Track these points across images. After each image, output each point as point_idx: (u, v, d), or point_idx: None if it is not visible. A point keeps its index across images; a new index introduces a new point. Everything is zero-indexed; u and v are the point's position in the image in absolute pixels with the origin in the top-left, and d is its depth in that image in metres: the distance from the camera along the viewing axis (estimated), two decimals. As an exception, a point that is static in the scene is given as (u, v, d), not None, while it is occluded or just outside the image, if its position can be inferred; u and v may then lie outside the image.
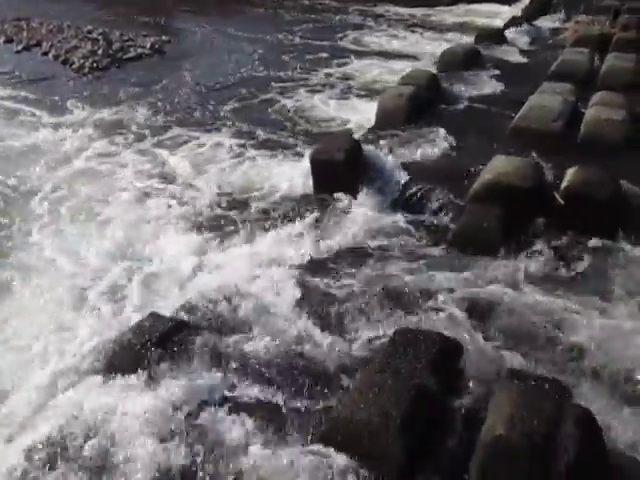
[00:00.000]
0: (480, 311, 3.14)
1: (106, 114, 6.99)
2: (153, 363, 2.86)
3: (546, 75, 6.46)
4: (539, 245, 3.56)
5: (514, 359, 2.81)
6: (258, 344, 3.01)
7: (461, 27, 11.53)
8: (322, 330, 3.10)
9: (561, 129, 4.89)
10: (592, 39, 7.95)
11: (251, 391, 2.74)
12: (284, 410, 2.63)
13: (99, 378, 2.85)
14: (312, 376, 2.80)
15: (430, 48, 9.72)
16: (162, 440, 2.46)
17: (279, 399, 2.69)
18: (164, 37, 10.76)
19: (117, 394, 2.70)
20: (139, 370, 2.81)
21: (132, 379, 2.78)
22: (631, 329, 2.96)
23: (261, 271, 3.62)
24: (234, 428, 2.52)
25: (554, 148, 4.66)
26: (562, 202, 3.70)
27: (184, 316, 3.26)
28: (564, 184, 3.80)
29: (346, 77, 8.30)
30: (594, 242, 3.53)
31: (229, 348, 3.00)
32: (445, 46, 8.63)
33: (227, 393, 2.73)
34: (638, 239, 3.55)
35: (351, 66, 8.90)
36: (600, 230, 3.59)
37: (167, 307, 3.45)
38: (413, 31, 11.35)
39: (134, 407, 2.60)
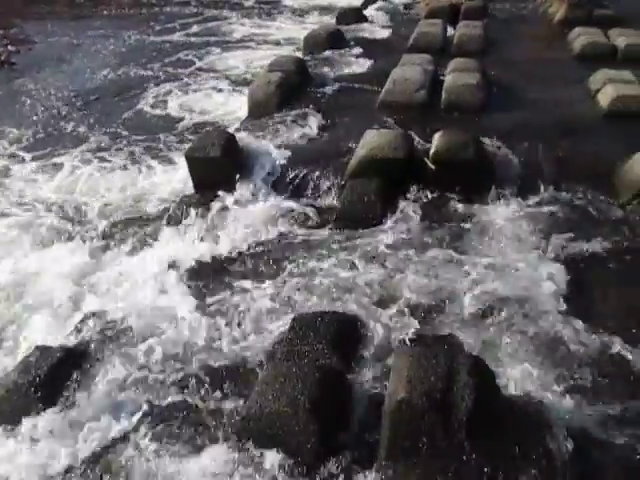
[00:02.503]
0: (373, 281, 3.23)
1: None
2: (45, 401, 2.66)
3: (405, 48, 6.73)
4: (416, 211, 3.73)
5: (410, 323, 2.93)
6: (159, 357, 2.92)
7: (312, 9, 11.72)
8: (223, 329, 3.06)
9: (424, 98, 5.11)
10: (443, 10, 8.38)
11: (160, 404, 2.65)
12: (196, 416, 2.58)
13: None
14: (220, 377, 2.76)
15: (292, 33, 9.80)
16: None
17: (189, 406, 2.63)
18: (11, 47, 9.88)
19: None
20: (31, 412, 2.59)
21: (24, 422, 2.56)
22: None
23: (150, 281, 3.47)
24: (145, 442, 2.45)
25: (420, 117, 4.89)
26: (432, 167, 3.89)
27: (75, 344, 3.06)
28: (432, 150, 3.99)
29: (213, 69, 8.13)
30: (464, 200, 3.77)
31: (129, 366, 2.87)
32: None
33: (134, 412, 2.62)
34: (501, 192, 3.84)
35: (217, 58, 8.73)
36: (469, 187, 3.83)
37: (54, 337, 3.22)
38: (265, 19, 11.36)
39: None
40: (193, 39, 9.97)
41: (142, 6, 12.90)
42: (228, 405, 2.61)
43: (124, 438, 2.49)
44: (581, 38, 6.66)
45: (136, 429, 2.53)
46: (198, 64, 8.46)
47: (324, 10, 11.52)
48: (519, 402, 2.35)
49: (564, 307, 2.96)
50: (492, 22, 7.96)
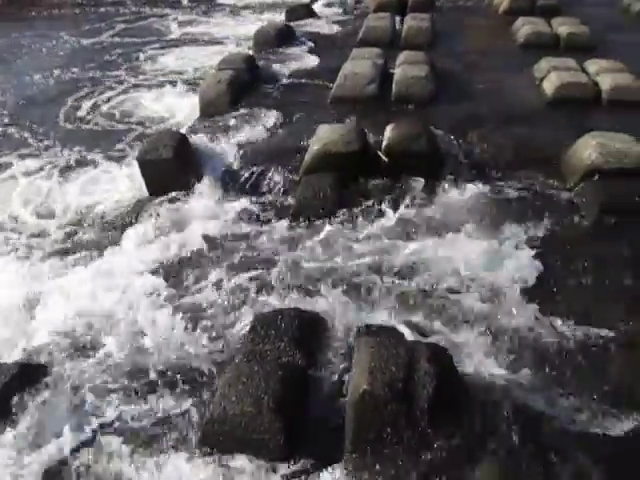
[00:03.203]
0: (332, 276, 3.24)
1: None
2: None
3: (355, 42, 6.76)
4: (371, 203, 3.76)
5: (370, 313, 2.95)
6: (118, 364, 2.85)
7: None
8: (183, 332, 3.00)
9: (375, 91, 5.16)
10: (391, 3, 8.44)
11: (120, 413, 2.59)
12: (158, 422, 2.53)
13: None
14: (182, 381, 2.72)
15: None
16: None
17: (151, 413, 2.58)
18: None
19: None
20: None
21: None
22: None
23: (105, 288, 3.38)
24: (107, 452, 2.40)
25: (372, 110, 4.94)
26: (386, 159, 3.93)
27: (31, 359, 2.96)
28: (385, 142, 4.03)
29: (155, 69, 8.00)
30: (417, 190, 3.83)
31: (87, 376, 2.79)
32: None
33: (94, 423, 2.55)
34: (453, 180, 3.91)
35: (158, 57, 8.58)
36: (422, 177, 3.89)
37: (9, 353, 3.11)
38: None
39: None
40: (131, 39, 9.72)
41: (74, 6, 12.46)
42: (191, 409, 2.57)
43: (84, 450, 2.43)
44: (525, 28, 6.84)
45: (97, 439, 2.47)
46: (138, 64, 8.29)
47: (259, 8, 11.49)
48: (478, 385, 2.40)
49: (516, 288, 3.04)
50: (439, 14, 8.09)
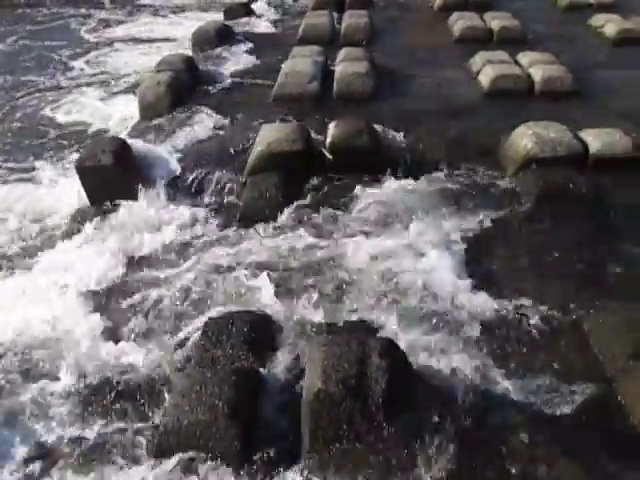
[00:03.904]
0: (281, 275, 3.23)
1: None
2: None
3: (295, 40, 6.75)
4: (317, 200, 3.77)
5: (319, 311, 2.96)
6: (61, 382, 2.75)
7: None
8: (129, 343, 2.93)
9: (317, 89, 5.16)
10: (330, 1, 8.44)
11: (72, 432, 2.53)
12: (113, 439, 2.47)
13: None
14: (132, 394, 2.65)
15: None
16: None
17: (104, 431, 2.51)
18: None
19: None
20: None
21: None
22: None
23: (44, 301, 3.25)
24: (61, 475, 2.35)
25: (315, 108, 4.94)
26: (330, 157, 3.94)
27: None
28: (328, 139, 4.04)
29: (99, 72, 7.76)
30: (362, 185, 3.86)
31: (28, 398, 2.69)
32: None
33: (46, 444, 2.49)
34: (396, 174, 3.97)
35: (101, 58, 8.33)
36: (366, 173, 3.93)
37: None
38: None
39: None
40: (52, 42, 9.37)
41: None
42: (144, 421, 2.53)
43: (35, 474, 2.36)
44: (459, 23, 6.99)
45: (47, 462, 2.41)
46: (54, 71, 8.02)
47: (179, 8, 11.31)
48: (430, 376, 2.45)
49: (461, 277, 3.11)
50: (376, 11, 8.17)
